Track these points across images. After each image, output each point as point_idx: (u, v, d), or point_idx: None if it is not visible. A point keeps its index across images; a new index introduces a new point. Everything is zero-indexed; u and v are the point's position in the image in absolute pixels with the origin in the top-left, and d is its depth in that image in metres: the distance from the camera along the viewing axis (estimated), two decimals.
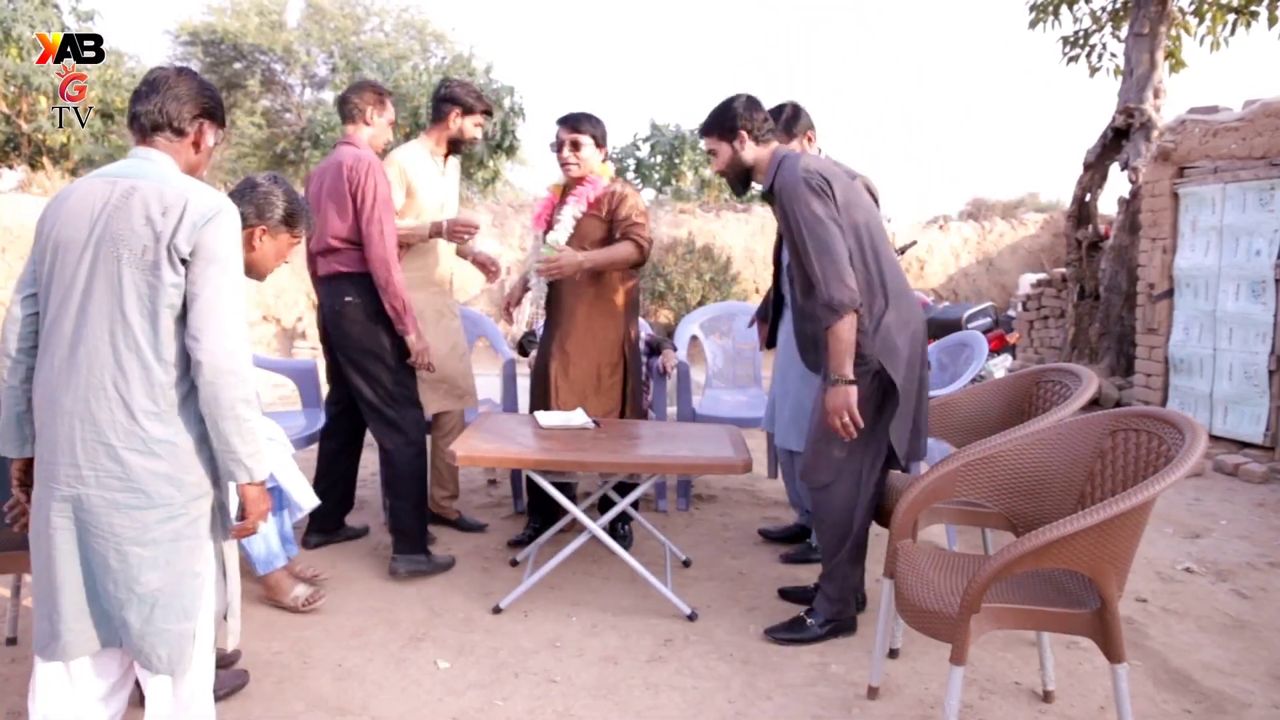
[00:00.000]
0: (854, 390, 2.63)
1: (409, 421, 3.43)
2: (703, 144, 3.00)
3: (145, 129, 1.97)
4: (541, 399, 3.73)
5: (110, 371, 1.84)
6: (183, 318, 1.86)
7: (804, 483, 2.92)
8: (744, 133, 2.84)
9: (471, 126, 3.69)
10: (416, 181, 3.60)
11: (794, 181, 2.70)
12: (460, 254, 3.94)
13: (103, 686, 2.01)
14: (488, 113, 3.74)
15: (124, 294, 1.84)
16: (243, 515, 2.02)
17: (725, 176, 2.95)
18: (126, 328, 1.84)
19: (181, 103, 1.97)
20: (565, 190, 3.71)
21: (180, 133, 1.98)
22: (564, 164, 3.61)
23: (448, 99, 3.66)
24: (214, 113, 2.04)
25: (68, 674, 1.96)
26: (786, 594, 3.29)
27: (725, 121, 2.85)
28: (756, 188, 2.99)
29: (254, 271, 2.33)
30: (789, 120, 3.37)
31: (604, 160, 3.70)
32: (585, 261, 3.51)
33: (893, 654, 2.84)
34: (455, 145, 3.72)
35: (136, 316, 1.84)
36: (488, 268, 3.94)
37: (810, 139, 3.42)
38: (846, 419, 2.63)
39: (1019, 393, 3.09)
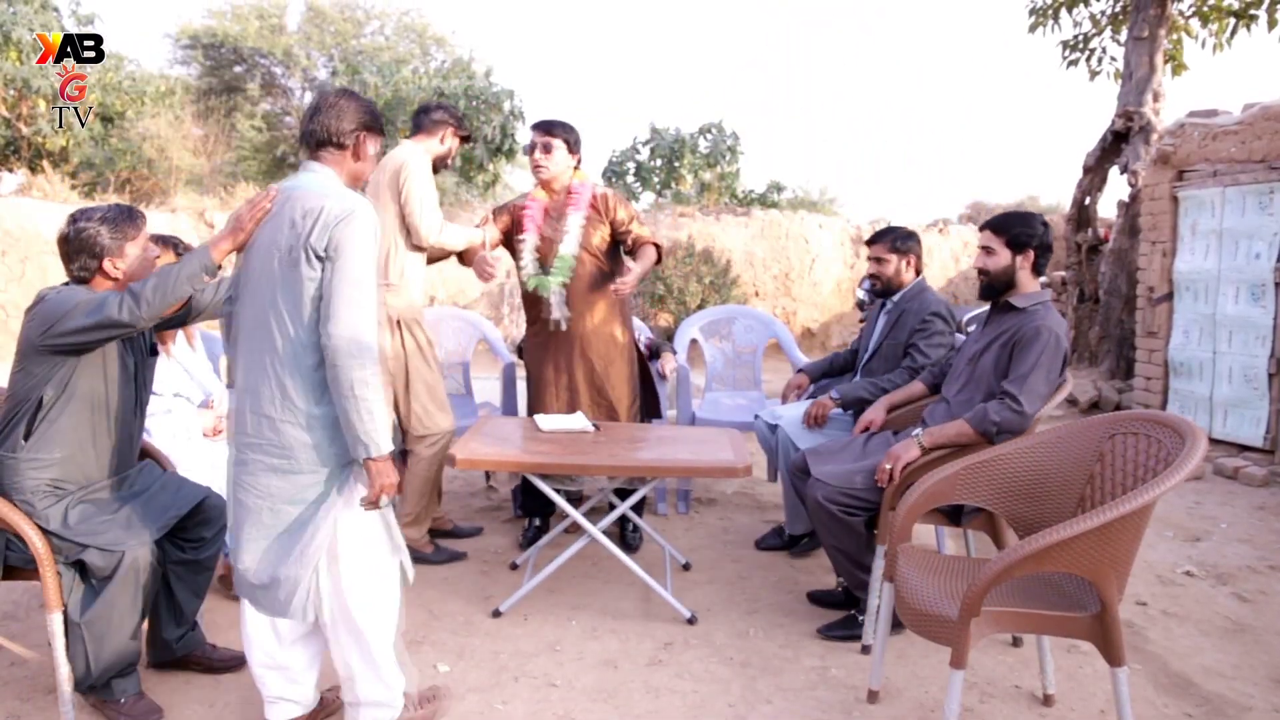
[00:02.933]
0: (918, 458, 2.81)
1: None
2: (982, 237, 3.00)
3: (312, 144, 2.23)
4: (548, 405, 3.72)
5: (269, 355, 2.12)
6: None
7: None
8: (1032, 253, 2.91)
9: (457, 150, 3.77)
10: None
11: (1059, 332, 2.81)
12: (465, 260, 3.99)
13: (300, 629, 2.27)
14: (467, 139, 3.83)
15: (277, 289, 2.12)
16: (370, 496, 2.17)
17: (985, 277, 2.99)
18: (279, 317, 2.11)
19: (342, 119, 2.21)
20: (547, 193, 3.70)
21: (341, 146, 2.22)
22: (535, 166, 3.65)
23: (442, 119, 3.66)
24: (372, 125, 2.26)
25: (267, 619, 2.24)
26: (815, 598, 3.31)
27: (1021, 235, 2.90)
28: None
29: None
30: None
31: (577, 166, 3.72)
32: (642, 275, 3.62)
33: (864, 650, 2.89)
34: (441, 162, 3.70)
35: (286, 307, 2.10)
36: (484, 262, 3.75)
37: None
38: (896, 470, 2.80)
39: None
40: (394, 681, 2.26)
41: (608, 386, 3.73)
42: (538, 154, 3.63)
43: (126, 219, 2.47)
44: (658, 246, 3.75)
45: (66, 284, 2.46)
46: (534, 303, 3.74)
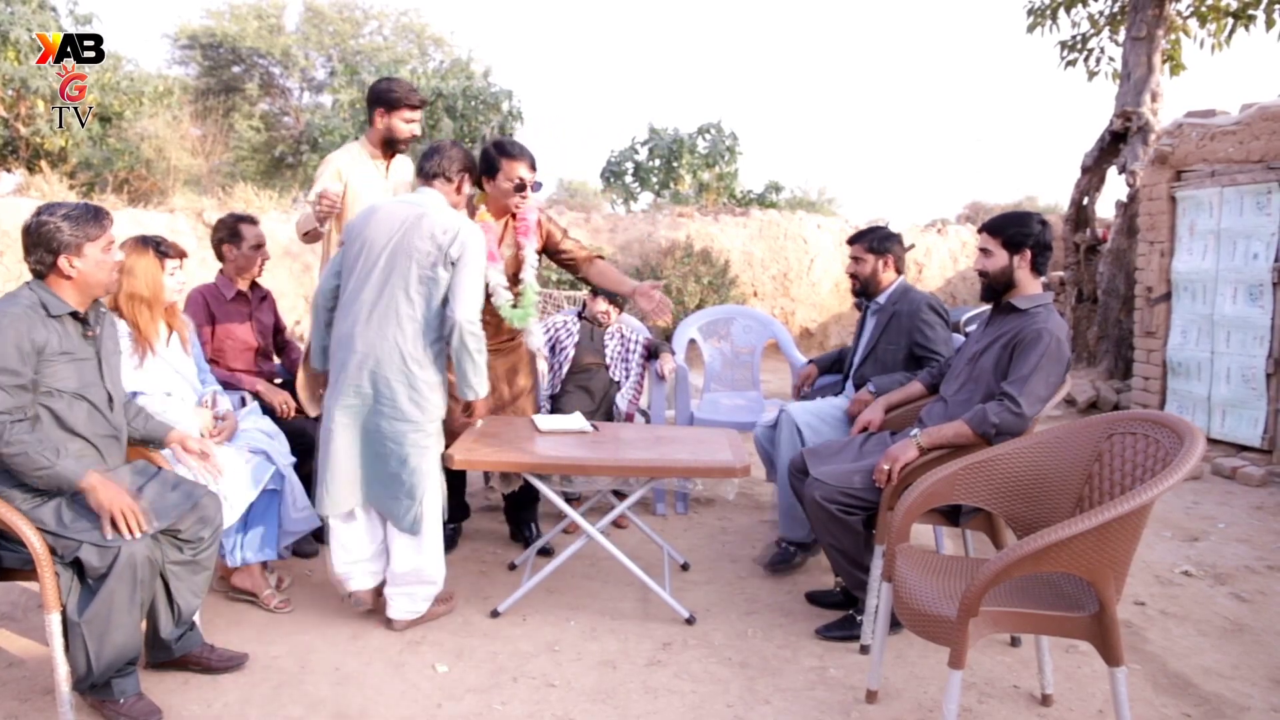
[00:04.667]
0: (916, 458, 2.80)
1: None
2: (980, 239, 3.01)
3: (429, 176, 3.08)
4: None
5: (394, 331, 2.87)
6: (443, 299, 2.88)
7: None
8: (1029, 252, 2.91)
9: (401, 124, 3.60)
10: (352, 182, 3.58)
11: (1060, 336, 2.80)
12: None
13: (370, 548, 3.02)
14: (415, 105, 3.62)
15: (410, 282, 2.87)
16: (468, 413, 3.11)
17: (985, 278, 2.99)
18: (410, 303, 2.87)
19: (451, 161, 3.09)
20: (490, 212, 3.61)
21: (449, 180, 3.09)
22: (517, 206, 3.52)
23: (371, 99, 3.65)
24: (471, 170, 3.17)
25: (349, 530, 2.99)
26: (813, 598, 3.30)
27: (1017, 235, 2.91)
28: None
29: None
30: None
31: None
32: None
33: (863, 650, 2.89)
34: (390, 145, 3.66)
35: (417, 297, 2.88)
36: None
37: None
38: (895, 470, 2.79)
39: None
40: (440, 573, 3.01)
41: (517, 392, 3.73)
42: (529, 192, 3.50)
43: (91, 219, 2.43)
44: (601, 257, 3.78)
45: (28, 283, 2.42)
46: None
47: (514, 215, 3.58)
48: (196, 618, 2.69)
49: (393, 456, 2.88)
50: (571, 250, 3.73)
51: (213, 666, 2.67)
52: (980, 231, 3.01)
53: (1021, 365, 2.78)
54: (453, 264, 2.86)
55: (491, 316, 3.52)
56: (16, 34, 10.43)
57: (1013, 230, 2.91)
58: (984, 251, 2.97)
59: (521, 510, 3.87)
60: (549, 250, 3.71)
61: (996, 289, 2.96)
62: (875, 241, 3.70)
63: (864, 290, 3.75)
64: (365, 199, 3.59)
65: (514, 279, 3.60)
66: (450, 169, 3.07)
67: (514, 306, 3.55)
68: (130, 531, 2.32)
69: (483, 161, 3.49)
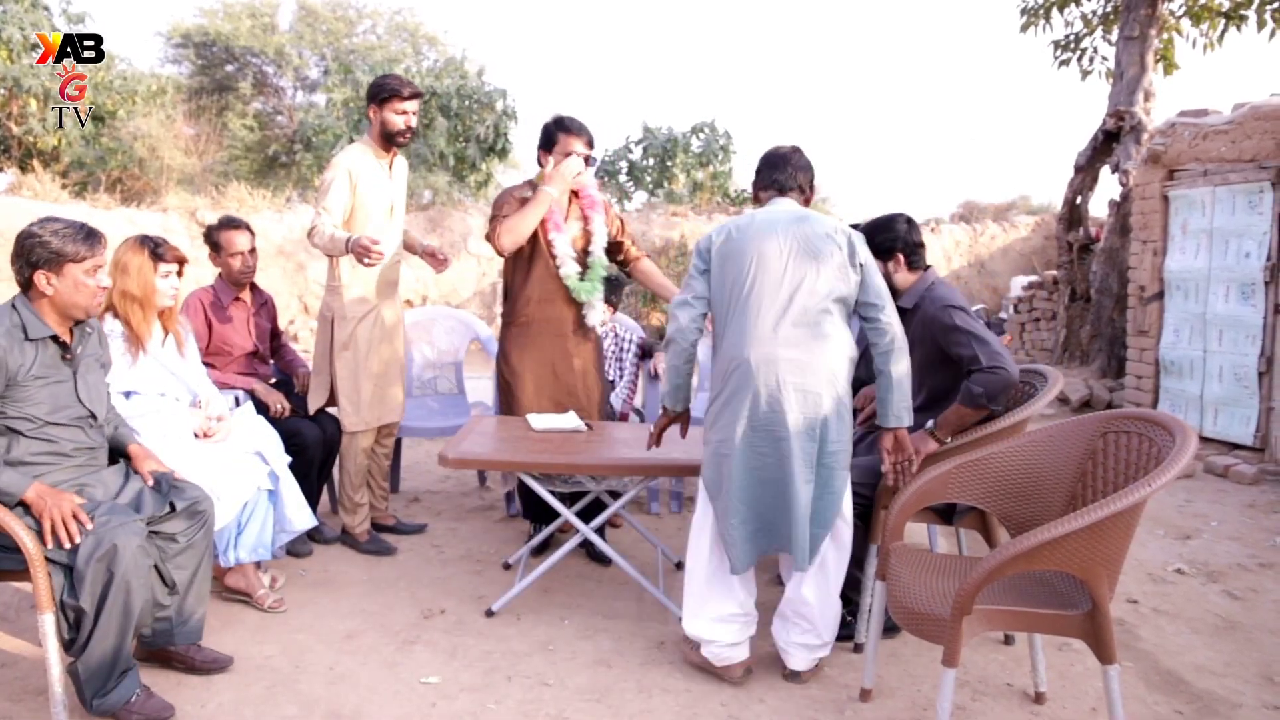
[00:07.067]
0: (936, 448, 2.79)
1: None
2: None
3: (784, 188, 2.73)
4: (536, 405, 3.69)
5: (808, 340, 2.50)
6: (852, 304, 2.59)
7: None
8: (901, 256, 2.93)
9: (393, 116, 3.59)
10: (361, 184, 3.57)
11: (951, 301, 2.82)
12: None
13: (750, 601, 2.67)
14: (405, 97, 3.60)
15: (828, 287, 2.53)
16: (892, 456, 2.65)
17: None
18: (827, 312, 2.53)
19: (803, 173, 2.76)
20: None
21: (801, 191, 2.75)
22: (579, 182, 3.57)
23: (366, 96, 3.67)
24: (814, 181, 2.81)
25: (730, 585, 2.64)
26: None
27: (885, 242, 2.93)
28: None
29: None
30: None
31: None
32: None
33: (857, 648, 2.88)
34: (389, 140, 3.65)
35: (832, 303, 2.53)
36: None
37: None
38: (911, 464, 2.75)
39: None
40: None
41: (589, 384, 3.72)
42: (589, 167, 3.59)
43: (82, 240, 2.37)
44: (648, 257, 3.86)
45: (13, 300, 2.39)
46: (522, 298, 3.66)
47: (576, 193, 3.64)
48: (201, 614, 2.65)
49: (806, 485, 2.51)
50: (626, 245, 3.78)
51: (197, 667, 2.64)
52: None
53: (959, 347, 2.79)
54: (861, 265, 2.58)
55: (565, 299, 3.61)
56: (9, 33, 10.40)
57: (879, 238, 2.94)
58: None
59: (535, 504, 3.83)
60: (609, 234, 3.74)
61: None
62: (873, 245, 3.58)
63: None
64: (373, 199, 3.61)
65: (583, 253, 3.64)
66: (805, 181, 2.77)
67: (581, 279, 3.61)
68: (71, 539, 2.25)
69: (542, 136, 3.58)
